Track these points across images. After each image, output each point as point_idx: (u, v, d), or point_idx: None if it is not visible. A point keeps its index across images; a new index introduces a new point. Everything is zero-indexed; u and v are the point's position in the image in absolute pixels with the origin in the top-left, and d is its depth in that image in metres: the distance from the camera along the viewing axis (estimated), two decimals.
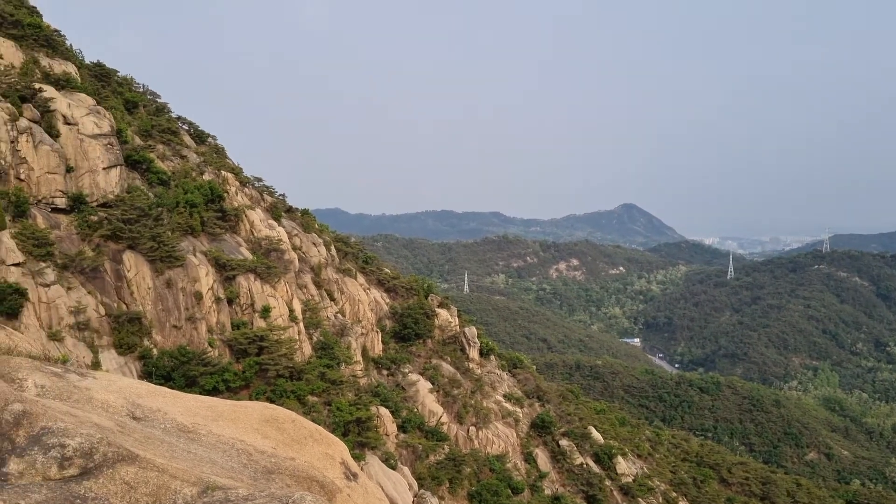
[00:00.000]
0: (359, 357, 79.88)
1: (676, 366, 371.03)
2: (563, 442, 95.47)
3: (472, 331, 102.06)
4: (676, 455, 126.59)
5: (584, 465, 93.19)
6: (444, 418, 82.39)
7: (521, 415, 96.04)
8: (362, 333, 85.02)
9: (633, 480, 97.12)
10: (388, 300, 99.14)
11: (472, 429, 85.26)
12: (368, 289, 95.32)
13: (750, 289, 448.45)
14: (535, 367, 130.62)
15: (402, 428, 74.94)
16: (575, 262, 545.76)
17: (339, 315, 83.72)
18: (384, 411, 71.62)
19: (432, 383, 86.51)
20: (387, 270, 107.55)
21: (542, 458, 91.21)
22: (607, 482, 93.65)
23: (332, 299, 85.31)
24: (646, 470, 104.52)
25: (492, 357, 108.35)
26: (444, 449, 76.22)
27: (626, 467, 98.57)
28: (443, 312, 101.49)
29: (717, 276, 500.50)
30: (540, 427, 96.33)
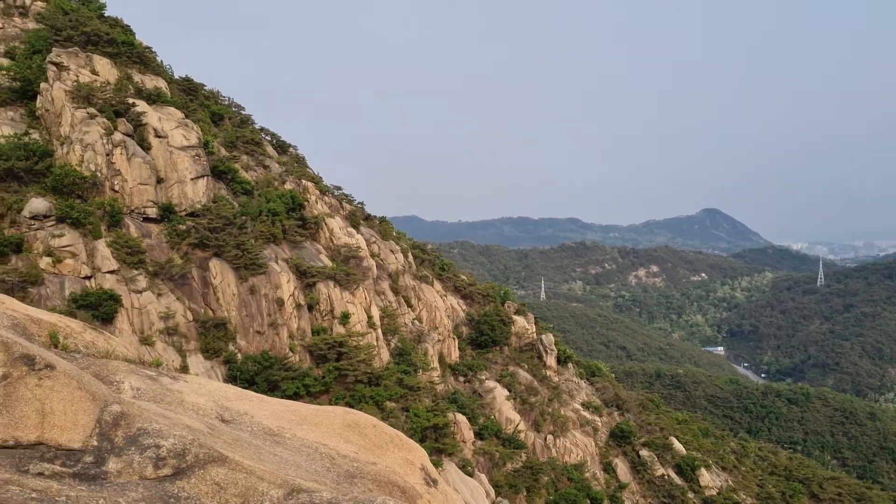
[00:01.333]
0: (436, 363, 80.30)
1: (763, 375, 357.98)
2: (644, 452, 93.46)
3: (549, 338, 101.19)
4: (763, 468, 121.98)
5: (666, 477, 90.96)
6: (522, 426, 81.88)
7: (599, 424, 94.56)
8: (439, 340, 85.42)
9: (718, 493, 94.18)
10: (464, 307, 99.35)
11: (550, 437, 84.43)
12: (445, 295, 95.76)
13: (842, 296, 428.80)
14: (613, 375, 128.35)
15: (478, 435, 74.86)
16: (655, 268, 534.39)
17: (416, 321, 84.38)
18: (461, 418, 71.71)
19: (509, 390, 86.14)
20: (463, 277, 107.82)
21: (622, 469, 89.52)
22: (690, 495, 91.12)
23: (410, 306, 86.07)
24: (731, 483, 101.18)
25: (569, 365, 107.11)
26: (521, 457, 75.74)
27: (710, 480, 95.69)
28: (519, 319, 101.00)
29: (805, 283, 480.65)
30: (619, 437, 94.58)
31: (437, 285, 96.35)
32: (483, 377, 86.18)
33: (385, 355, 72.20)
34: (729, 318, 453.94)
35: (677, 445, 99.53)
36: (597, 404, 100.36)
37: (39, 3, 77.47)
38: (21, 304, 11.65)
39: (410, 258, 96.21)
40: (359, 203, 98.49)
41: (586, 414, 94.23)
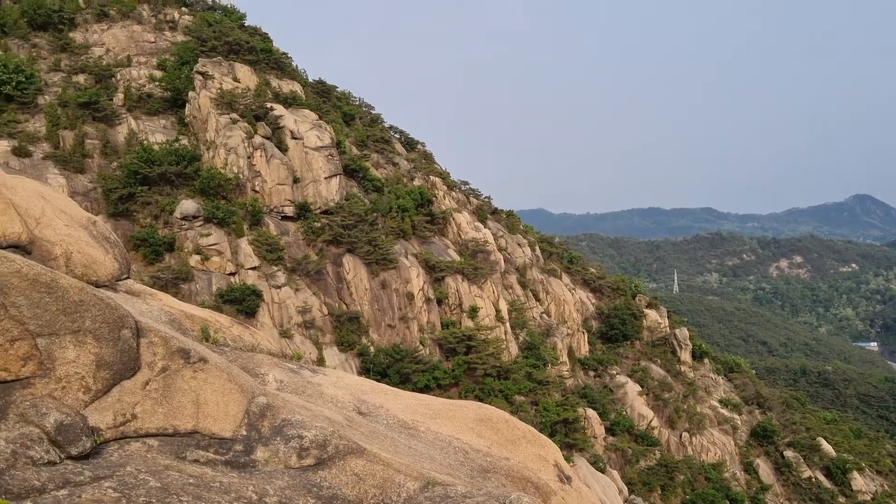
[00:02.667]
0: (565, 357, 79.51)
1: None
2: (788, 453, 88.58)
3: (683, 332, 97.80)
4: None
5: (813, 479, 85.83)
6: (655, 422, 79.68)
7: (739, 422, 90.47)
8: (568, 334, 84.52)
9: (873, 499, 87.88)
10: (593, 300, 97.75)
11: (685, 434, 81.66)
12: (574, 289, 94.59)
13: None
14: (753, 371, 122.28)
15: (610, 431, 73.51)
16: (798, 258, 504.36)
17: (544, 315, 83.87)
18: (592, 413, 70.67)
19: (641, 386, 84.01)
20: (592, 270, 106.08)
21: (764, 470, 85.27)
22: (841, 499, 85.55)
23: (538, 299, 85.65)
24: (887, 488, 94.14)
25: (705, 360, 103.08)
26: (655, 454, 73.73)
27: (864, 484, 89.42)
28: (651, 313, 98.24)
29: None
30: (761, 436, 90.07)
31: (566, 279, 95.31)
32: (614, 372, 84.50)
33: (513, 349, 72.25)
34: (883, 312, 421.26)
35: (826, 446, 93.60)
36: (736, 402, 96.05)
37: (187, 17, 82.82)
38: (175, 300, 12.52)
39: (538, 252, 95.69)
40: (486, 198, 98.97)
41: (724, 411, 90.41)
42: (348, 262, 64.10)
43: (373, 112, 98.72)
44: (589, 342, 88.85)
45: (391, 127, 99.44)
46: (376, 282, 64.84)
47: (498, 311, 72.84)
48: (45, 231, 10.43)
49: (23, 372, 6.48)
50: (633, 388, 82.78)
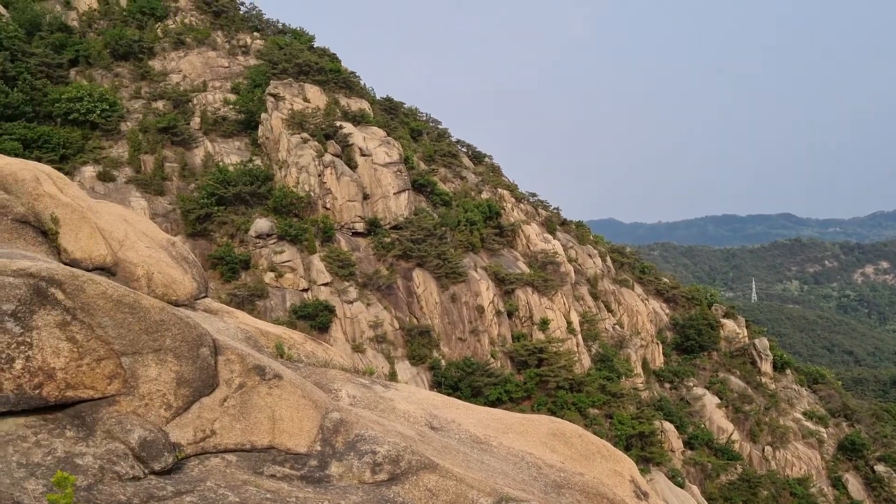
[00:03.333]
0: (639, 369, 77.97)
1: None
2: (880, 468, 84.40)
3: (762, 342, 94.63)
4: None
5: None
6: (735, 436, 77.19)
7: (825, 435, 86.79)
8: (642, 345, 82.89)
9: None
10: (667, 311, 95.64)
11: (768, 448, 78.80)
12: (646, 299, 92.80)
13: None
14: (840, 382, 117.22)
15: (688, 444, 71.58)
16: (885, 264, 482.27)
17: (616, 326, 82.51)
18: (668, 426, 68.99)
19: (720, 398, 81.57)
20: (665, 280, 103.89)
21: (854, 485, 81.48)
22: None
23: (610, 311, 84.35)
24: None
25: (787, 371, 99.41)
26: (736, 468, 71.38)
27: None
28: (728, 323, 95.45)
29: None
30: (849, 449, 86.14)
31: (638, 289, 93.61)
32: (691, 384, 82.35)
33: (586, 361, 71.28)
34: None
35: None
36: (821, 414, 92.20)
37: (259, 42, 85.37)
38: (251, 317, 12.85)
39: (609, 262, 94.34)
40: (554, 209, 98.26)
41: (809, 424, 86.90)
42: (418, 276, 64.56)
43: (440, 127, 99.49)
44: (664, 353, 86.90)
45: (458, 141, 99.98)
46: (446, 295, 65.06)
47: (569, 322, 72.04)
48: (128, 253, 10.86)
49: (108, 390, 6.75)
50: (711, 400, 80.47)
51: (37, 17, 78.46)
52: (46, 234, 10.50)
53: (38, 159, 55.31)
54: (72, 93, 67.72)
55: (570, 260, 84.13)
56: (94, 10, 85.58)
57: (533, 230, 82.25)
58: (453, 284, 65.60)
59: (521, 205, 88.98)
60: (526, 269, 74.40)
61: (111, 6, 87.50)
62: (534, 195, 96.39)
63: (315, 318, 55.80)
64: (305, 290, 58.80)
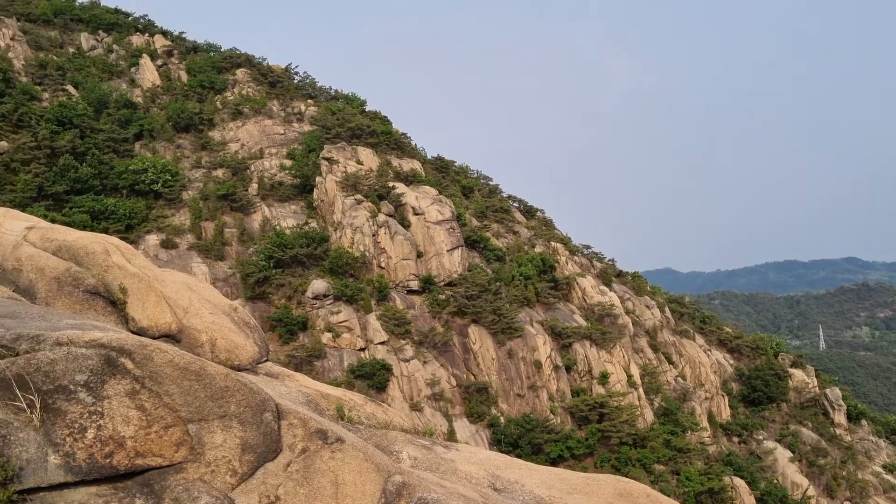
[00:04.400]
0: (705, 423, 75.47)
1: None
2: None
3: (834, 392, 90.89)
4: None
5: None
6: (811, 491, 73.62)
7: None
8: (706, 398, 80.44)
9: None
10: (731, 361, 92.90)
11: None
12: (709, 350, 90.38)
13: None
14: None
15: (761, 501, 68.47)
16: None
17: (679, 379, 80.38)
18: (739, 482, 66.22)
19: (792, 451, 78.20)
20: (727, 329, 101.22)
21: None
22: None
23: (671, 362, 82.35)
24: None
25: (863, 421, 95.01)
26: None
27: None
28: (797, 373, 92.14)
29: None
30: None
31: (699, 339, 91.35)
32: (760, 437, 79.24)
33: (649, 415, 69.40)
34: None
35: None
36: None
37: (313, 108, 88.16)
38: (311, 380, 12.96)
39: (668, 312, 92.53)
40: (609, 260, 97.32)
41: (890, 478, 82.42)
42: (474, 332, 64.31)
43: (491, 183, 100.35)
44: (730, 406, 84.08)
45: (510, 196, 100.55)
46: (503, 351, 64.54)
47: (629, 376, 70.51)
48: (192, 320, 11.15)
49: (176, 457, 6.87)
50: (783, 454, 77.19)
51: (104, 96, 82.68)
52: (115, 303, 10.88)
53: (106, 230, 57.53)
54: (137, 165, 70.73)
55: (628, 312, 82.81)
56: (158, 86, 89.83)
57: (588, 283, 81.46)
58: (509, 340, 65.11)
59: (576, 257, 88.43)
60: (583, 323, 73.47)
61: (173, 82, 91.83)
62: (588, 247, 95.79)
63: (372, 378, 55.88)
64: (362, 350, 59.07)
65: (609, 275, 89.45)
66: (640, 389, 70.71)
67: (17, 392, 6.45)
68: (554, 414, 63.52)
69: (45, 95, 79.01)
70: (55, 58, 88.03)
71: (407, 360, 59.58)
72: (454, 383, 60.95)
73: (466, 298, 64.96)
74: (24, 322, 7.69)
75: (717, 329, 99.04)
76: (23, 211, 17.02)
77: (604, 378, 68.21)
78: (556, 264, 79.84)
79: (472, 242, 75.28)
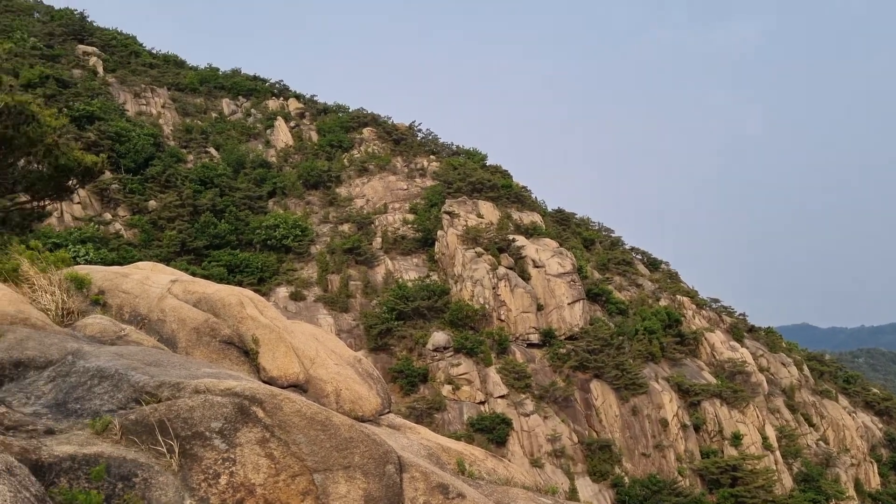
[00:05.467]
0: (851, 491, 69.59)
1: None
2: None
3: None
4: None
5: None
6: None
7: None
8: (853, 464, 74.30)
9: None
10: (880, 425, 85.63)
11: None
12: (854, 412, 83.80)
13: None
14: None
15: None
16: None
17: (820, 442, 74.80)
18: None
19: None
20: (875, 391, 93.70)
21: None
22: None
23: (811, 424, 76.87)
24: None
25: None
26: None
27: None
28: None
29: None
30: None
31: (843, 401, 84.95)
32: None
33: (787, 481, 64.78)
34: None
35: None
36: None
37: (435, 164, 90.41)
38: (432, 433, 12.99)
39: (806, 371, 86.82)
40: (740, 315, 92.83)
41: None
42: (596, 387, 62.68)
43: (612, 235, 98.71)
44: (880, 473, 77.22)
45: (632, 249, 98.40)
46: (626, 408, 62.44)
47: (765, 437, 66.34)
48: (318, 370, 11.50)
49: None
50: None
51: (242, 156, 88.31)
52: (248, 353, 11.39)
53: (240, 282, 60.68)
54: (269, 221, 74.68)
55: (762, 369, 78.38)
56: (290, 146, 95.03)
57: (717, 338, 77.94)
58: (633, 396, 62.97)
59: (703, 311, 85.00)
60: (712, 380, 70.13)
61: (304, 142, 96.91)
62: (716, 301, 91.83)
63: (492, 432, 55.34)
64: (482, 403, 58.75)
65: (740, 330, 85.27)
66: (777, 453, 66.34)
67: (160, 437, 6.84)
68: (682, 476, 60.49)
69: (190, 157, 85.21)
70: (199, 122, 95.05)
71: (527, 415, 58.69)
72: (576, 440, 59.36)
73: (588, 353, 63.58)
74: (166, 370, 8.17)
75: (862, 390, 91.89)
76: (167, 265, 18.26)
77: (736, 439, 64.54)
78: (683, 318, 77.05)
79: (594, 295, 73.94)
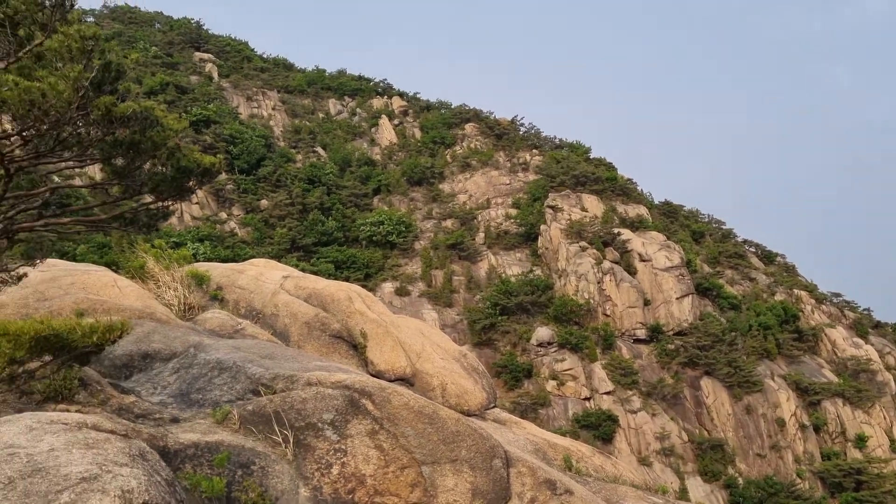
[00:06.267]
0: None
1: None
2: None
3: None
4: None
5: None
6: None
7: None
8: None
9: None
10: None
11: None
12: None
13: None
14: None
15: None
16: None
17: None
18: None
19: None
20: None
21: None
22: None
23: None
24: None
25: None
26: None
27: None
28: None
29: None
30: None
31: None
32: None
33: None
34: None
35: None
36: None
37: (537, 158, 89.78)
38: (538, 428, 12.94)
39: None
40: (864, 310, 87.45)
41: None
42: (706, 385, 60.65)
43: (723, 227, 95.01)
44: None
45: (745, 241, 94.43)
46: (739, 406, 60.11)
47: (892, 440, 62.40)
48: (424, 365, 11.66)
49: (411, 498, 7.15)
50: None
51: (348, 155, 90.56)
52: (356, 347, 11.69)
53: (347, 278, 62.31)
54: (374, 218, 76.28)
55: (889, 368, 73.62)
56: (394, 143, 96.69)
57: (839, 334, 73.80)
58: (747, 394, 60.53)
59: (823, 306, 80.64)
60: (833, 378, 66.50)
61: (408, 139, 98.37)
62: (838, 295, 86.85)
63: (598, 428, 54.53)
64: (587, 399, 57.97)
65: (864, 326, 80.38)
66: None
67: (275, 427, 7.12)
68: (801, 478, 57.72)
69: (299, 157, 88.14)
70: (307, 123, 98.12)
71: (634, 412, 57.49)
72: (685, 438, 57.66)
73: (698, 349, 61.57)
74: (279, 363, 8.50)
75: None
76: (279, 262, 18.94)
77: (860, 441, 61.01)
78: (800, 313, 73.38)
79: (704, 290, 71.46)
